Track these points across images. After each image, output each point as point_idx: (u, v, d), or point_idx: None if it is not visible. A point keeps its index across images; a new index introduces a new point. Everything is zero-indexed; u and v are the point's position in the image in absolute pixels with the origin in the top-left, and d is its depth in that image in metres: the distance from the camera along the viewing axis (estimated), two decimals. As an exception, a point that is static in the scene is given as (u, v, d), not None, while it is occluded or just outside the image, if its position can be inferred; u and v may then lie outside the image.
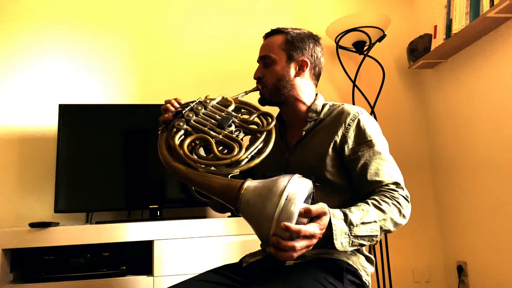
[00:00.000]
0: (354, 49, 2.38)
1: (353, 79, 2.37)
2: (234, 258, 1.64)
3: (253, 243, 1.41)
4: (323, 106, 1.23)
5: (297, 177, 0.87)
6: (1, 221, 2.00)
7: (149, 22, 2.37)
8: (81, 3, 2.31)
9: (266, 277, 1.01)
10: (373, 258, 1.15)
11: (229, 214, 1.90)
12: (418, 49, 2.35)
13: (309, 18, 2.54)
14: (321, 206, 0.88)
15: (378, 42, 2.37)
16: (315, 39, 1.25)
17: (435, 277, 2.38)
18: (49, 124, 2.12)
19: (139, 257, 1.79)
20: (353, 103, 2.33)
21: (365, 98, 2.35)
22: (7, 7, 2.22)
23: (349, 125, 1.14)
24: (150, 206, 1.96)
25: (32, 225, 1.64)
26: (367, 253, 1.14)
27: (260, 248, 1.20)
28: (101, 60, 2.27)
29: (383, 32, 2.31)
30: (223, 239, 1.76)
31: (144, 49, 2.33)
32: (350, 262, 1.07)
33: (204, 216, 2.09)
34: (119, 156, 2.02)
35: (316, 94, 1.26)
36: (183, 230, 1.73)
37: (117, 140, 2.04)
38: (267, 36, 1.25)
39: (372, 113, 2.33)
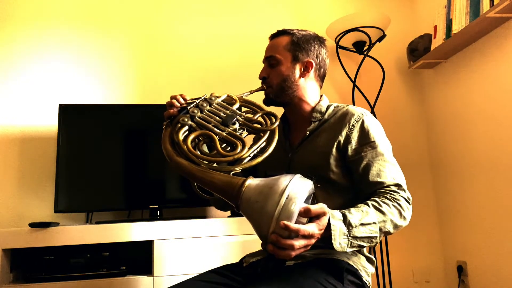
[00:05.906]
0: (354, 49, 2.38)
1: (353, 79, 2.37)
2: (234, 258, 1.64)
3: (254, 243, 1.40)
4: (328, 107, 1.23)
5: (298, 177, 0.87)
6: (1, 221, 2.00)
7: (150, 22, 2.36)
8: (81, 3, 2.30)
9: (267, 277, 1.01)
10: (374, 259, 1.15)
11: (229, 213, 1.91)
12: (418, 49, 2.35)
13: (309, 18, 2.54)
14: (320, 207, 0.88)
15: (378, 42, 2.37)
16: (320, 40, 1.25)
17: (435, 277, 2.38)
18: (49, 124, 2.12)
19: (139, 257, 1.78)
20: (353, 103, 2.33)
21: (365, 98, 2.35)
22: (7, 8, 2.22)
23: (353, 126, 1.14)
24: (150, 206, 1.96)
25: (32, 225, 1.64)
26: (367, 254, 1.14)
27: (260, 248, 1.20)
28: (101, 60, 2.27)
29: (383, 32, 2.31)
30: (223, 239, 1.76)
31: (144, 49, 2.33)
32: (351, 263, 1.07)
33: (204, 216, 2.09)
34: (119, 156, 2.02)
35: (321, 96, 1.27)
36: (183, 230, 1.73)
37: (117, 140, 2.03)
38: (273, 37, 1.26)
39: (372, 113, 2.32)
